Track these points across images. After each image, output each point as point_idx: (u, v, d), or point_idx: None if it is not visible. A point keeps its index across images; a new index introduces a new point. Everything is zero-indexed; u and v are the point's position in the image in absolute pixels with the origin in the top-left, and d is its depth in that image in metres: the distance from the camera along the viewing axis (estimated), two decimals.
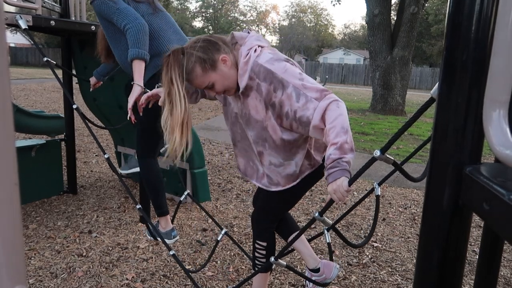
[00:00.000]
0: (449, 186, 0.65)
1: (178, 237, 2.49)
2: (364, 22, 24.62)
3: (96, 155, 5.16)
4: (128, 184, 3.84)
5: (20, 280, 0.38)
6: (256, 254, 1.83)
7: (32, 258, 2.50)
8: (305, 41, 51.79)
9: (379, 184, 1.75)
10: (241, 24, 54.59)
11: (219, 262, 2.56)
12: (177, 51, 1.48)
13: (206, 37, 1.53)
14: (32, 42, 2.43)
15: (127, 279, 2.31)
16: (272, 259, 1.63)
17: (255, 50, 1.52)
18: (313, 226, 3.11)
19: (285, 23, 59.84)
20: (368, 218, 3.39)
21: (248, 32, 1.62)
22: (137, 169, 2.67)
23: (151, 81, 2.20)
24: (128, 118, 2.06)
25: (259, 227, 1.83)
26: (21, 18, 2.42)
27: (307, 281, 2.03)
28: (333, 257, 2.08)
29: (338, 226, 3.17)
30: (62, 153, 3.70)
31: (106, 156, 2.31)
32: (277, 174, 1.65)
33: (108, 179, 4.18)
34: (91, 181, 4.10)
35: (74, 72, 3.40)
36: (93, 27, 2.85)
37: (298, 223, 3.21)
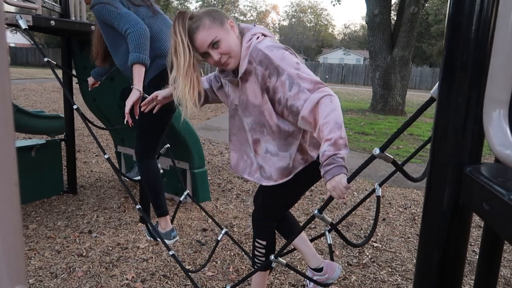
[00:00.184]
0: (449, 186, 0.65)
1: (177, 238, 2.49)
2: (364, 22, 24.62)
3: (96, 155, 5.16)
4: (128, 184, 3.84)
5: (20, 280, 0.38)
6: (256, 253, 1.83)
7: (32, 258, 2.50)
8: (305, 41, 51.80)
9: (380, 185, 1.74)
10: None
11: (219, 262, 2.56)
12: (185, 12, 1.50)
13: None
14: (32, 42, 2.43)
15: (127, 279, 2.31)
16: (272, 257, 1.63)
17: (258, 37, 1.55)
18: (313, 226, 3.11)
19: (285, 23, 59.88)
20: (368, 218, 3.39)
21: (254, 25, 1.64)
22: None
23: (153, 82, 2.21)
24: (125, 122, 2.07)
25: (258, 226, 1.83)
26: (21, 18, 2.42)
27: (307, 281, 2.03)
28: (333, 258, 2.07)
29: (338, 226, 3.17)
30: (62, 153, 3.70)
31: (106, 156, 2.32)
32: (271, 165, 1.62)
33: (108, 179, 4.18)
34: (91, 181, 4.10)
35: (74, 72, 3.40)
36: (93, 27, 2.85)
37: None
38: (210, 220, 3.11)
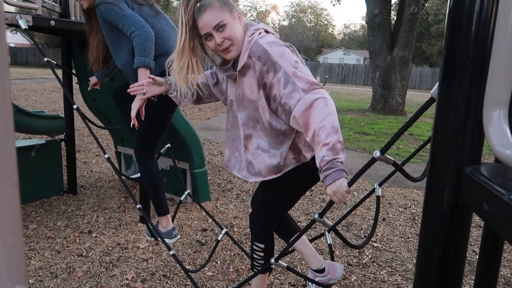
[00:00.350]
0: (449, 186, 0.65)
1: (179, 236, 2.50)
2: (364, 22, 24.63)
3: (96, 155, 5.16)
4: (128, 184, 3.84)
5: (20, 280, 0.38)
6: (254, 256, 1.81)
7: (32, 258, 2.50)
8: (305, 41, 51.81)
9: (380, 185, 1.74)
10: None
11: (219, 262, 2.56)
12: None
13: None
14: (32, 42, 2.43)
15: (127, 279, 2.31)
16: (273, 260, 1.63)
17: (260, 33, 1.54)
18: (313, 226, 3.10)
19: (285, 23, 59.90)
20: (368, 218, 3.39)
21: (258, 23, 1.64)
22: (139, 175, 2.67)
23: None
24: (131, 125, 2.06)
25: (256, 228, 1.81)
26: (21, 18, 2.42)
27: (309, 282, 2.02)
28: (334, 258, 2.07)
29: (338, 227, 3.17)
30: (62, 153, 3.70)
31: (106, 156, 2.32)
32: (261, 161, 1.60)
33: (108, 179, 4.19)
34: (91, 181, 4.10)
35: (74, 72, 3.40)
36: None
37: (298, 223, 3.20)
38: (210, 220, 3.11)
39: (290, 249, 2.07)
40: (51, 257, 2.53)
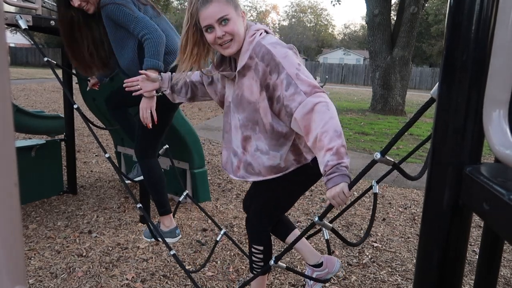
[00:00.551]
0: (449, 186, 0.65)
1: (180, 235, 2.51)
2: (364, 22, 24.63)
3: (96, 155, 5.16)
4: (128, 183, 3.84)
5: (20, 280, 0.38)
6: (254, 258, 1.80)
7: (32, 258, 2.50)
8: (305, 41, 51.82)
9: (378, 182, 1.75)
10: None
11: (219, 262, 2.56)
12: None
13: None
14: (32, 42, 2.43)
15: (127, 279, 2.31)
16: (272, 262, 1.62)
17: (261, 33, 1.54)
18: (308, 219, 3.10)
19: (285, 23, 59.92)
20: (368, 218, 3.39)
21: (255, 23, 1.64)
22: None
23: None
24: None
25: (254, 231, 1.80)
26: (21, 18, 2.43)
27: (307, 280, 2.02)
28: (331, 253, 2.08)
29: (338, 227, 3.17)
30: (62, 153, 3.70)
31: (107, 155, 2.32)
32: (260, 163, 1.60)
33: (108, 179, 4.19)
34: (91, 181, 4.10)
35: (74, 72, 3.40)
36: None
37: (298, 224, 3.21)
38: (210, 220, 3.11)
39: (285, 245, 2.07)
40: (51, 257, 2.53)
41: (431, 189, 0.68)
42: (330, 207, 1.38)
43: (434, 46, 35.22)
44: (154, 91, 1.96)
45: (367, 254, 2.73)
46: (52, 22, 2.67)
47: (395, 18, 11.56)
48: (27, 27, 2.43)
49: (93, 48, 2.36)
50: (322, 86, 1.78)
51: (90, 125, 2.45)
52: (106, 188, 3.91)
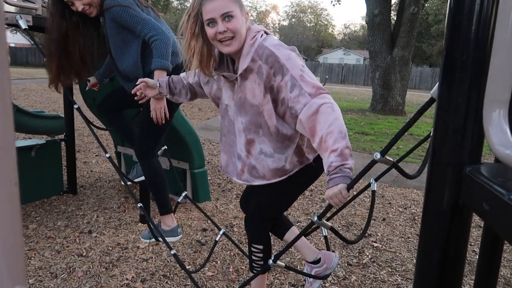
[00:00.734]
0: (449, 186, 0.65)
1: (181, 234, 2.53)
2: (364, 22, 24.63)
3: (96, 155, 5.16)
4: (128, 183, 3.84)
5: (20, 280, 0.38)
6: (253, 258, 1.80)
7: (32, 258, 2.50)
8: (305, 41, 51.81)
9: (376, 180, 1.75)
10: None
11: (219, 262, 2.56)
12: None
13: None
14: (32, 42, 2.43)
15: (127, 279, 2.31)
16: (271, 261, 1.63)
17: (262, 35, 1.52)
18: (308, 219, 3.10)
19: (285, 23, 59.92)
20: None
21: (252, 24, 1.64)
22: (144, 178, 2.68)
23: None
24: (156, 122, 2.17)
25: (254, 231, 1.80)
26: (21, 18, 2.43)
27: (307, 278, 2.03)
28: (330, 249, 2.08)
29: (338, 227, 3.18)
30: (62, 153, 3.70)
31: (107, 155, 2.33)
32: (264, 165, 1.59)
33: (108, 179, 4.19)
34: (91, 181, 4.10)
35: None
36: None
37: (298, 223, 3.21)
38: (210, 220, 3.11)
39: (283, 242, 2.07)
40: (51, 257, 2.53)
41: (431, 189, 0.68)
42: (329, 207, 1.39)
43: (434, 46, 35.23)
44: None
45: (367, 254, 2.73)
46: None
47: (395, 18, 11.56)
48: (27, 27, 2.44)
49: (84, 54, 2.36)
50: None
51: (88, 125, 2.46)
52: (106, 188, 3.91)
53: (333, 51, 46.30)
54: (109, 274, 2.35)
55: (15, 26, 2.46)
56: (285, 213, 3.38)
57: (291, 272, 2.40)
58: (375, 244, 2.88)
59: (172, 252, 2.08)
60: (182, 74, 1.93)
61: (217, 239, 2.36)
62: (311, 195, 3.90)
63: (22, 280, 0.38)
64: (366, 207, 3.63)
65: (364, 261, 2.62)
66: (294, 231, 1.91)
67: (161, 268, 2.45)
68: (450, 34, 0.63)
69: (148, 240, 2.48)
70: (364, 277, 2.44)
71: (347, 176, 1.32)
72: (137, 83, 1.98)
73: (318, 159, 1.65)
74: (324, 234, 1.96)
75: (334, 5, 21.46)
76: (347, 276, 2.43)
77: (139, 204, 2.30)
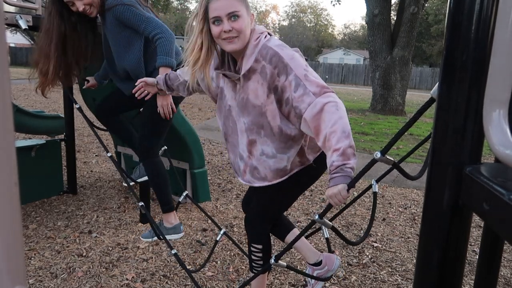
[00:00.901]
0: (449, 186, 0.65)
1: (183, 232, 2.54)
2: (364, 22, 24.62)
3: (96, 155, 5.16)
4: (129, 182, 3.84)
5: (20, 280, 0.38)
6: (253, 257, 1.80)
7: (32, 258, 2.50)
8: (305, 41, 51.80)
9: (377, 181, 1.75)
10: None
11: (219, 262, 2.56)
12: None
13: None
14: (32, 42, 2.43)
15: (127, 279, 2.31)
16: (272, 261, 1.63)
17: (266, 36, 1.53)
18: (308, 218, 3.10)
19: (285, 23, 59.93)
20: (368, 218, 3.39)
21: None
22: (147, 177, 2.68)
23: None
24: (164, 118, 2.24)
25: (254, 230, 1.80)
26: (21, 18, 2.43)
27: (308, 280, 2.03)
28: (331, 251, 2.07)
29: (338, 227, 3.17)
30: (62, 153, 3.70)
31: (108, 154, 2.34)
32: (266, 166, 1.59)
33: (108, 179, 4.19)
34: (91, 181, 4.10)
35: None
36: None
37: (298, 223, 3.21)
38: (210, 220, 3.11)
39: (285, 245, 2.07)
40: (51, 257, 2.53)
41: (431, 189, 0.68)
42: (329, 206, 1.39)
43: (434, 46, 35.23)
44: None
45: (367, 254, 2.73)
46: None
47: (395, 18, 11.56)
48: (27, 27, 2.44)
49: (80, 55, 2.36)
50: None
51: (90, 125, 2.46)
52: (106, 188, 3.91)
53: (333, 51, 46.30)
54: (109, 274, 2.35)
55: (15, 26, 2.46)
56: (285, 213, 3.38)
57: (291, 272, 2.40)
58: (375, 244, 2.88)
59: (173, 251, 2.08)
60: (178, 71, 1.95)
61: (217, 238, 2.36)
62: (311, 195, 3.90)
63: (22, 280, 0.38)
64: (366, 207, 3.63)
65: (364, 261, 2.62)
66: (295, 233, 1.90)
67: (161, 268, 2.45)
68: (450, 34, 0.63)
69: (150, 239, 2.49)
70: (364, 277, 2.44)
71: (348, 175, 1.32)
72: (136, 83, 2.03)
73: (319, 160, 1.66)
74: (326, 236, 1.95)
75: (334, 5, 21.46)
76: (347, 276, 2.43)
77: (140, 203, 2.31)
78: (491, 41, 0.56)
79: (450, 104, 0.63)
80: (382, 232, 3.11)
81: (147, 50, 2.30)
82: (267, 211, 1.77)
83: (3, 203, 0.36)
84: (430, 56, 37.38)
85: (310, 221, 3.20)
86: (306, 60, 1.56)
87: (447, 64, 0.64)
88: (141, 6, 2.23)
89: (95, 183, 4.06)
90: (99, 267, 2.43)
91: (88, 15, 2.21)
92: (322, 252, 1.98)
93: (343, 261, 2.61)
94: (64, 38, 2.23)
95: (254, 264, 1.81)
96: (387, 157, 1.19)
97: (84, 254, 2.58)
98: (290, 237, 1.88)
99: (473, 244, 2.94)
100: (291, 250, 2.35)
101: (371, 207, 3.60)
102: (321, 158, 1.63)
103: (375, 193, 1.68)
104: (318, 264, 1.89)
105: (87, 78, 2.76)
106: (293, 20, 58.99)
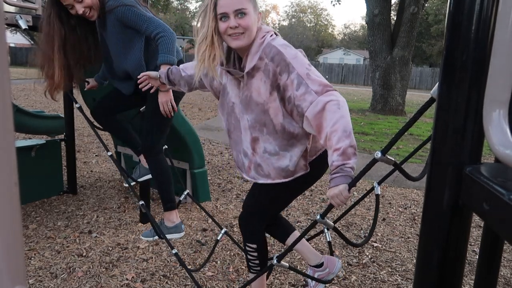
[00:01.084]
0: (449, 186, 0.65)
1: (184, 231, 2.55)
2: (364, 22, 24.63)
3: (96, 155, 5.16)
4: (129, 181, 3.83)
5: (20, 280, 0.38)
6: (249, 257, 1.80)
7: (32, 258, 2.50)
8: (305, 41, 51.78)
9: (379, 183, 1.75)
10: None
11: (219, 262, 2.56)
12: None
13: None
14: (32, 42, 2.43)
15: (127, 279, 2.31)
16: (275, 261, 1.62)
17: (271, 35, 1.54)
18: (308, 219, 3.10)
19: (285, 23, 59.91)
20: (368, 218, 3.39)
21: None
22: (148, 177, 2.69)
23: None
24: (165, 116, 2.27)
25: (247, 229, 1.79)
26: (21, 18, 2.43)
27: (309, 280, 2.02)
28: (333, 255, 2.07)
29: (338, 226, 3.17)
30: (62, 153, 3.70)
31: (109, 153, 2.34)
32: (269, 164, 1.60)
33: (108, 179, 4.18)
34: (91, 181, 4.10)
35: None
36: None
37: (298, 223, 3.21)
38: (210, 220, 3.11)
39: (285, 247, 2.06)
40: (51, 257, 2.53)
41: (431, 189, 0.68)
42: (331, 206, 1.39)
43: (434, 46, 35.23)
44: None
45: (367, 254, 2.73)
46: None
47: (395, 18, 11.56)
48: (27, 27, 2.44)
49: (81, 58, 2.36)
50: None
51: (90, 125, 2.46)
52: (106, 188, 3.91)
53: (333, 51, 46.29)
54: (109, 274, 2.35)
55: (15, 26, 2.46)
56: (285, 213, 3.38)
57: (291, 272, 2.40)
58: (375, 244, 2.88)
59: (174, 251, 2.08)
60: (181, 66, 1.99)
61: (218, 238, 2.36)
62: (311, 195, 3.90)
63: (22, 280, 0.38)
64: (366, 207, 3.63)
65: (364, 261, 2.62)
66: (295, 235, 1.89)
67: (161, 268, 2.45)
68: (450, 34, 0.63)
69: (151, 238, 2.49)
70: (364, 277, 2.44)
71: (349, 175, 1.32)
72: (139, 76, 2.09)
73: (319, 160, 1.65)
74: (328, 240, 1.95)
75: (334, 5, 21.47)
76: (347, 276, 2.43)
77: (141, 202, 2.31)
78: (491, 41, 0.56)
79: (450, 104, 0.63)
80: (382, 232, 3.11)
81: (148, 49, 2.31)
82: (262, 210, 1.77)
83: (3, 203, 0.36)
84: (430, 56, 37.38)
85: (310, 221, 3.21)
86: None
87: (447, 64, 0.64)
88: (140, 6, 2.24)
89: (95, 183, 4.06)
90: (99, 267, 2.43)
91: (88, 18, 2.21)
92: (323, 254, 1.97)
93: (343, 261, 2.61)
94: (65, 41, 2.23)
95: (251, 264, 1.81)
96: (388, 157, 1.19)
97: (84, 254, 2.58)
98: (290, 240, 1.87)
99: (473, 244, 2.94)
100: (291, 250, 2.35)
101: (372, 208, 3.60)
102: (322, 158, 1.63)
103: (377, 196, 1.68)
104: (320, 266, 1.89)
105: (87, 79, 2.76)
106: (293, 20, 58.99)
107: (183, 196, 2.52)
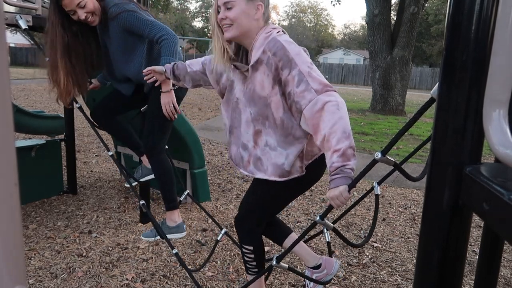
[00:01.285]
0: (449, 186, 0.65)
1: (186, 231, 2.56)
2: (364, 22, 24.63)
3: (96, 155, 5.16)
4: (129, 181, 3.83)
5: (20, 280, 0.38)
6: (246, 259, 1.80)
7: (32, 258, 2.50)
8: (305, 41, 51.77)
9: (379, 183, 1.74)
10: None
11: (219, 262, 2.56)
12: None
13: None
14: (32, 42, 2.43)
15: (127, 279, 2.31)
16: (274, 262, 1.62)
17: (278, 32, 1.57)
18: (308, 219, 3.10)
19: (285, 23, 59.88)
20: (368, 218, 3.39)
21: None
22: (150, 177, 2.69)
23: None
24: (168, 118, 2.26)
25: (243, 230, 1.79)
26: (21, 18, 2.43)
27: (307, 281, 2.02)
28: (333, 257, 2.07)
29: (338, 226, 3.17)
30: (62, 153, 3.70)
31: (110, 153, 2.34)
32: (268, 158, 1.60)
33: (108, 179, 4.18)
34: (91, 181, 4.10)
35: None
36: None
37: (298, 223, 3.21)
38: (210, 220, 3.11)
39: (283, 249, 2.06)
40: (51, 257, 2.53)
41: (431, 189, 0.68)
42: (330, 207, 1.39)
43: (434, 46, 35.22)
44: (171, 85, 2.15)
45: (367, 254, 2.73)
46: None
47: (395, 18, 11.56)
48: (27, 27, 2.44)
49: (85, 64, 2.36)
50: None
51: (91, 124, 2.46)
52: (106, 188, 3.91)
53: (333, 51, 46.28)
54: (109, 274, 2.35)
55: (15, 26, 2.46)
56: (285, 213, 3.38)
57: (291, 272, 2.40)
58: (375, 244, 2.88)
59: (174, 251, 2.08)
60: (187, 62, 2.00)
61: (218, 238, 2.36)
62: (311, 195, 3.90)
63: (22, 280, 0.38)
64: (366, 207, 3.63)
65: (364, 261, 2.62)
66: (293, 237, 1.89)
67: (161, 268, 2.45)
68: (450, 34, 0.63)
69: (153, 238, 2.49)
70: (364, 277, 2.44)
71: (349, 176, 1.32)
72: (144, 70, 2.09)
73: (315, 165, 1.65)
74: (328, 240, 1.95)
75: (334, 5, 21.47)
76: (347, 276, 2.43)
77: (142, 202, 2.31)
78: (491, 41, 0.56)
79: (450, 104, 0.63)
80: (382, 232, 3.11)
81: (151, 53, 2.34)
82: (259, 212, 1.76)
83: (3, 203, 0.36)
84: (430, 56, 37.38)
85: (310, 221, 3.20)
86: None
87: (447, 64, 0.64)
88: (141, 11, 2.26)
89: (95, 183, 4.06)
90: (99, 267, 2.43)
91: (90, 24, 2.22)
92: (322, 254, 1.97)
93: (343, 261, 2.61)
94: (68, 47, 2.23)
95: (248, 265, 1.81)
96: (388, 157, 1.19)
97: (84, 254, 2.58)
98: (287, 242, 1.87)
99: (473, 244, 2.94)
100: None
101: (372, 208, 3.60)
102: (317, 162, 1.63)
103: (377, 196, 1.68)
104: (317, 267, 1.89)
105: (91, 80, 2.76)
106: (293, 20, 58.99)
107: (183, 196, 2.52)
